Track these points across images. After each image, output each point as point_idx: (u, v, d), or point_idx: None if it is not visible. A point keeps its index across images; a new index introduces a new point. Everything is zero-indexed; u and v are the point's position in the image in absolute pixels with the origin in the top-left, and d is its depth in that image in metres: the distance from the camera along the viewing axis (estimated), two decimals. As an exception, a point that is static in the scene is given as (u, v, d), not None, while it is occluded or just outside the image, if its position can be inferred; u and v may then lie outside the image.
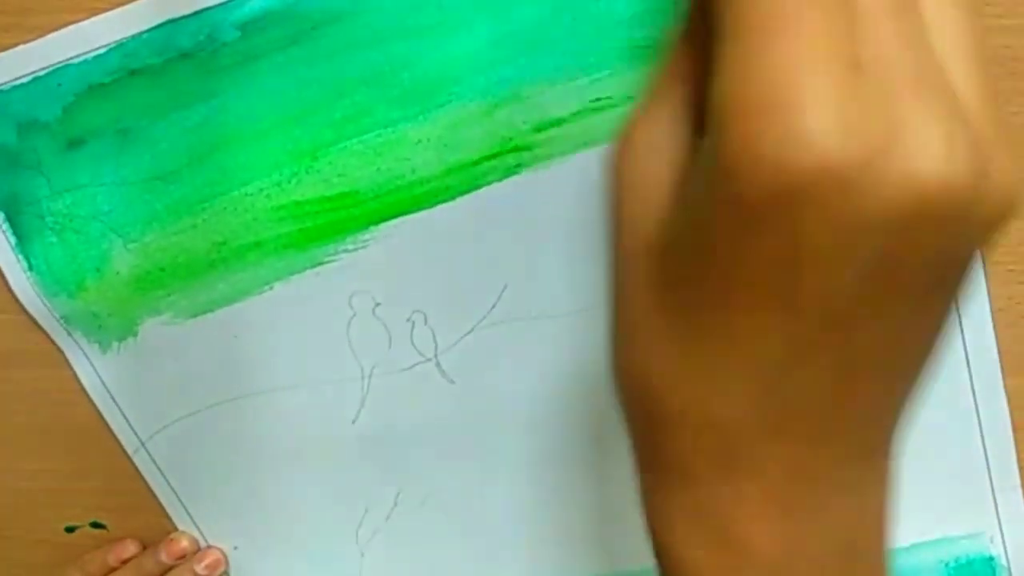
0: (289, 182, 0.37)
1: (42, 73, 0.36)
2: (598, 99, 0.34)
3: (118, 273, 0.39)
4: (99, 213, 0.38)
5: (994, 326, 0.36)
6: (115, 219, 0.38)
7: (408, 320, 0.39)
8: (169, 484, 0.44)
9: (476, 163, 0.36)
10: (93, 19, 0.35)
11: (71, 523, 0.47)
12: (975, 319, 0.36)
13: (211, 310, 0.39)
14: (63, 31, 0.35)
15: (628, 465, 0.42)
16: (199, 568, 0.44)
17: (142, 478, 0.44)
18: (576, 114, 0.35)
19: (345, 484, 0.43)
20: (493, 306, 0.39)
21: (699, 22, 0.18)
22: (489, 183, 0.36)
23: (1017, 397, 0.37)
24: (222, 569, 0.45)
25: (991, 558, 0.41)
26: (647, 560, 0.24)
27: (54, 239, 0.39)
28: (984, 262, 0.35)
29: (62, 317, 0.40)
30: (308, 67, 0.35)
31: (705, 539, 0.20)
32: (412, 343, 0.40)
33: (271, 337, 0.40)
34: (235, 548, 0.46)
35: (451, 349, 0.40)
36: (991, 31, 0.32)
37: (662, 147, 0.19)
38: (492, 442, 0.41)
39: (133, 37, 0.35)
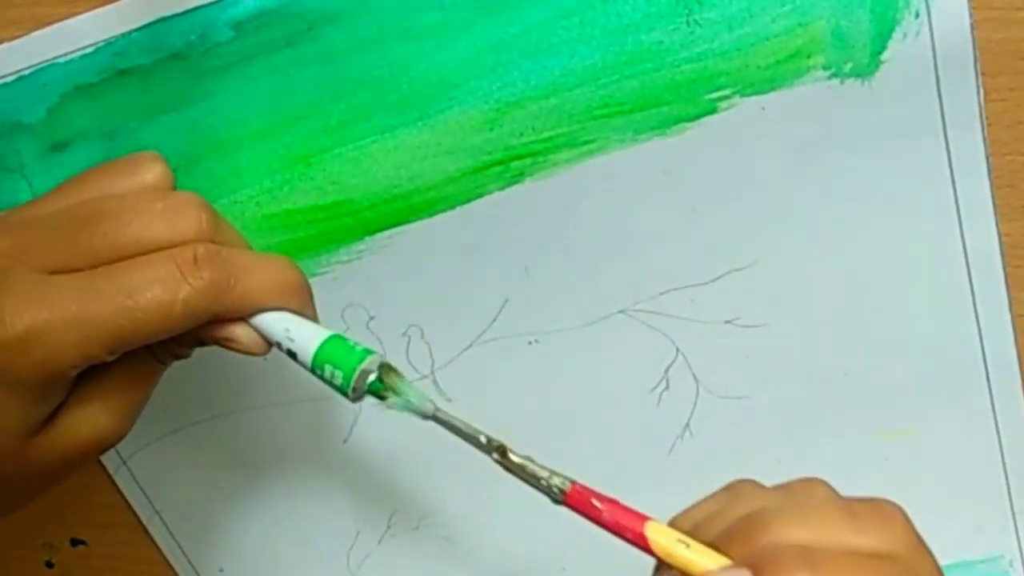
0: (281, 189, 0.36)
1: (26, 72, 0.34)
2: (605, 105, 0.33)
3: (101, 282, 0.38)
4: (83, 219, 0.37)
5: (1015, 333, 0.35)
6: (99, 226, 0.37)
7: (403, 335, 0.38)
8: (152, 504, 0.43)
9: (477, 171, 0.35)
10: (80, 16, 0.34)
11: (50, 539, 0.46)
12: (995, 327, 0.35)
13: (198, 322, 0.38)
14: (49, 28, 0.34)
15: (631, 487, 0.41)
16: None
17: (123, 498, 0.43)
18: (582, 121, 0.34)
19: (336, 505, 0.42)
20: (493, 320, 0.38)
21: None
22: (490, 192, 0.35)
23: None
24: None
25: (1010, 583, 0.40)
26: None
27: (35, 246, 0.37)
28: (1005, 266, 0.34)
29: (42, 328, 0.39)
30: (303, 69, 0.34)
31: None
32: (407, 359, 0.39)
33: (260, 351, 0.39)
34: (220, 570, 0.44)
35: (448, 365, 0.39)
36: (1008, 24, 0.31)
37: None
38: (490, 463, 0.40)
39: (122, 36, 0.34)
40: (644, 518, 0.27)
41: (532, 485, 0.28)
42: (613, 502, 0.27)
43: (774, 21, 0.32)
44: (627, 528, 0.27)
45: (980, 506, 0.39)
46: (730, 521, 0.26)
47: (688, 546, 0.26)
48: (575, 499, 0.27)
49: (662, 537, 0.26)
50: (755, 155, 0.34)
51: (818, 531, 0.25)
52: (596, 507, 0.27)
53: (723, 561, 0.25)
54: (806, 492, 0.28)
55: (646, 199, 0.35)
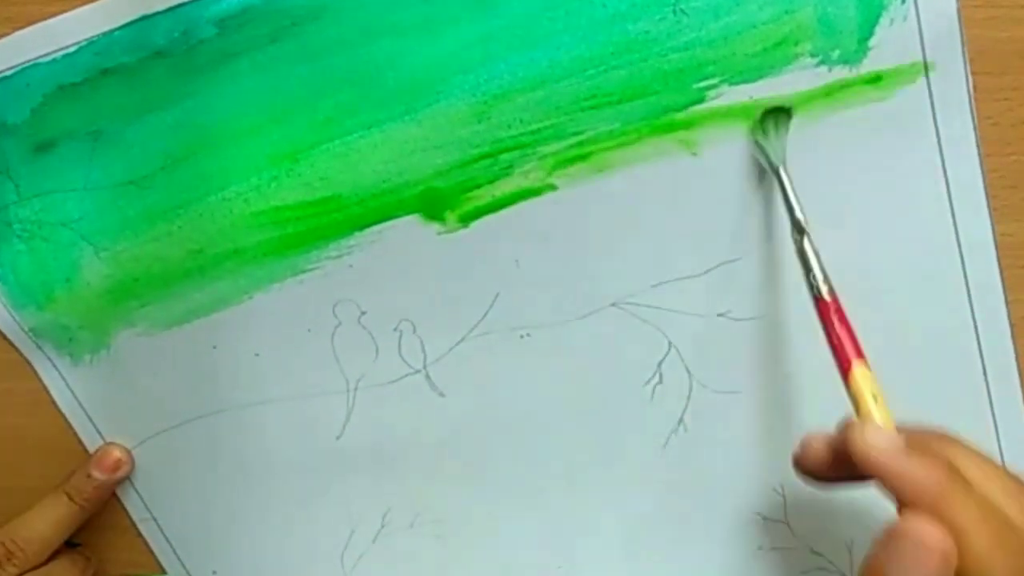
0: (269, 186, 0.35)
1: (9, 73, 0.34)
2: (593, 96, 0.33)
3: (89, 283, 0.37)
4: (69, 220, 0.36)
5: (1013, 337, 0.35)
6: (86, 226, 0.37)
7: (395, 330, 0.38)
8: (144, 504, 0.42)
9: (465, 165, 0.35)
10: (63, 16, 0.33)
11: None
12: (994, 330, 0.35)
13: (187, 321, 0.38)
14: (32, 28, 0.34)
15: (625, 482, 0.40)
16: (96, 472, 0.40)
17: (116, 498, 0.42)
18: (570, 112, 0.33)
19: (330, 504, 0.42)
20: (484, 314, 0.37)
21: None
22: (479, 186, 0.35)
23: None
24: (125, 470, 0.41)
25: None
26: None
27: (22, 247, 0.37)
28: (1000, 267, 0.34)
29: (31, 330, 0.39)
30: (289, 66, 0.34)
31: None
32: (400, 354, 0.38)
33: (251, 349, 0.38)
34: (214, 573, 0.44)
35: (441, 360, 0.38)
36: (1011, 23, 0.31)
37: None
38: (485, 459, 0.40)
39: (105, 34, 0.34)
40: (859, 356, 0.29)
41: (805, 273, 0.31)
42: (846, 332, 0.30)
43: (761, 9, 0.31)
44: (841, 355, 0.30)
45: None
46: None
47: (875, 400, 0.29)
48: (823, 308, 0.31)
49: (860, 381, 0.29)
50: (745, 145, 0.33)
51: (990, 490, 0.27)
52: (831, 324, 0.30)
53: (889, 424, 0.28)
54: (1017, 481, 0.29)
55: (637, 191, 0.34)
